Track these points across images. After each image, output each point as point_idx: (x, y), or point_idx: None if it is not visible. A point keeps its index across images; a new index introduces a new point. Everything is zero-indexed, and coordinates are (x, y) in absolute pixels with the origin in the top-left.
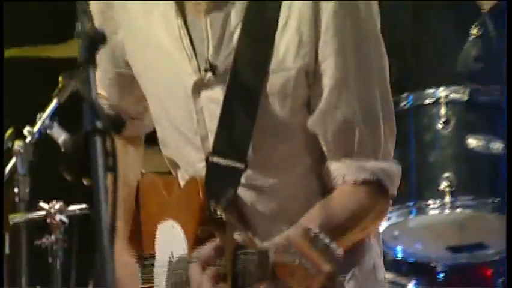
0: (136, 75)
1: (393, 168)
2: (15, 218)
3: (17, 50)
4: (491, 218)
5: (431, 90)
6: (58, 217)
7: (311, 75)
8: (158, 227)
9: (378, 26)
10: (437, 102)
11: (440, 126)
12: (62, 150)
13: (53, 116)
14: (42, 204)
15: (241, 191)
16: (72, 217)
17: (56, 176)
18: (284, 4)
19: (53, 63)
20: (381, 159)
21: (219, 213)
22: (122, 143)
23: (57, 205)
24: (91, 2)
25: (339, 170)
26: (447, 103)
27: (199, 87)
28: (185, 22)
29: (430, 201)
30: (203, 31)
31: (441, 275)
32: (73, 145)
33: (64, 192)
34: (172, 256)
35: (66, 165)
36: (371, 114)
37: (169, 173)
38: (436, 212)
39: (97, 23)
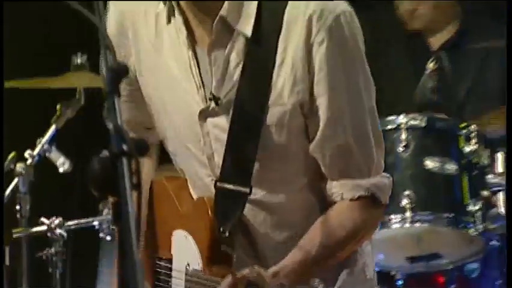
0: (145, 95)
1: (385, 181)
2: (18, 232)
3: (18, 81)
4: (445, 231)
5: (393, 118)
6: (58, 231)
7: (306, 107)
8: (173, 234)
9: (363, 49)
10: (398, 128)
11: (400, 149)
12: (60, 171)
13: (51, 141)
14: (43, 219)
15: (249, 208)
16: (68, 231)
17: (53, 194)
18: (280, 45)
19: (51, 94)
20: (373, 175)
21: (226, 235)
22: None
23: (57, 220)
24: (108, 28)
25: (338, 188)
26: (407, 129)
27: (205, 114)
28: (195, 53)
29: (392, 216)
30: (207, 65)
31: (399, 283)
32: (101, 166)
33: (61, 208)
34: (189, 266)
35: (94, 184)
36: (364, 139)
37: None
38: (398, 225)
39: (117, 44)
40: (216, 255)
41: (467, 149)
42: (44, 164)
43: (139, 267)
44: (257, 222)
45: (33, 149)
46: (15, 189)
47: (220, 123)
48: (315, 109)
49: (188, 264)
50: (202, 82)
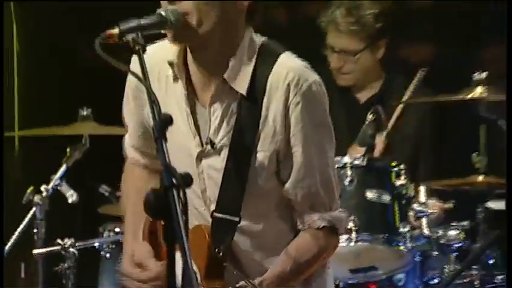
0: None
1: (342, 215)
2: (37, 251)
3: (37, 130)
4: (381, 248)
5: (339, 158)
6: (71, 250)
7: (282, 154)
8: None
9: (328, 110)
10: (344, 166)
11: (347, 183)
12: (69, 201)
13: (62, 177)
14: (58, 240)
15: (236, 234)
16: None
17: (65, 221)
18: (265, 103)
19: (62, 139)
20: (333, 210)
21: (221, 254)
22: (148, 172)
23: (69, 241)
24: (129, 86)
25: (306, 219)
26: (351, 167)
27: (200, 156)
28: (194, 107)
29: (340, 237)
30: (207, 115)
31: None
32: (155, 197)
33: (68, 231)
34: (197, 278)
35: (151, 211)
36: (327, 182)
37: None
38: (345, 244)
39: (135, 98)
40: (213, 271)
41: (398, 183)
42: (56, 195)
43: (192, 273)
44: (242, 244)
45: (47, 183)
46: (33, 216)
47: (213, 164)
48: (290, 156)
49: (196, 276)
50: (199, 131)
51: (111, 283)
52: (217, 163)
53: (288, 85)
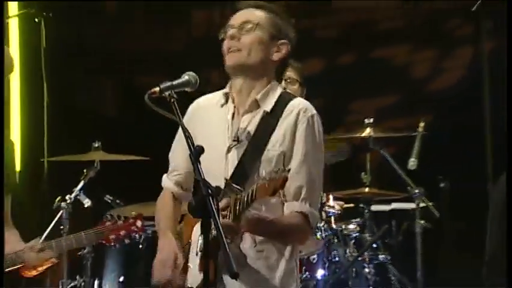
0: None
1: (315, 212)
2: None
3: (62, 157)
4: None
5: None
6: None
7: (285, 158)
8: (196, 225)
9: (322, 137)
10: None
11: None
12: (85, 206)
13: (81, 189)
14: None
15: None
16: None
17: (83, 220)
18: (280, 120)
19: (81, 164)
20: (313, 207)
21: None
22: (178, 202)
23: None
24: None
25: (292, 205)
26: None
27: (228, 149)
28: (233, 118)
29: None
30: (239, 122)
31: None
32: (196, 202)
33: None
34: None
35: (193, 213)
36: (311, 183)
37: None
38: None
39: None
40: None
41: None
42: (76, 202)
43: (228, 250)
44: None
45: (71, 194)
46: (60, 216)
47: (234, 155)
48: (291, 158)
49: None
50: (231, 133)
51: (114, 263)
52: (236, 154)
53: (299, 111)
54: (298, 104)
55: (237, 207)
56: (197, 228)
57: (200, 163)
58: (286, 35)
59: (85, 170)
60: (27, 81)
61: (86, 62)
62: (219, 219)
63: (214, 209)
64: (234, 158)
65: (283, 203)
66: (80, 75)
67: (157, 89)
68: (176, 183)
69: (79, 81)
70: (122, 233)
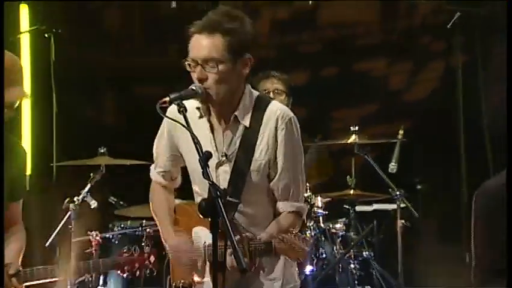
0: (184, 157)
1: (304, 205)
2: (74, 240)
3: (70, 161)
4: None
5: None
6: (97, 238)
7: (271, 162)
8: (194, 230)
9: (300, 137)
10: None
11: None
12: (91, 207)
13: (87, 192)
14: (88, 232)
15: (237, 215)
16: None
17: (89, 220)
18: (261, 130)
19: (88, 168)
20: (300, 202)
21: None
22: (166, 191)
23: (95, 233)
24: (165, 127)
25: (283, 206)
26: None
27: (218, 165)
28: (213, 134)
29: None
30: (221, 138)
31: None
32: (206, 203)
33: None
34: (205, 243)
35: (203, 213)
36: (297, 181)
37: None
38: None
39: (168, 132)
40: (221, 236)
41: (306, 194)
42: (84, 203)
43: (237, 247)
44: (241, 221)
45: (78, 196)
46: (69, 217)
47: (226, 169)
48: (275, 164)
49: (205, 242)
50: (217, 148)
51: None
52: (228, 169)
53: (277, 118)
54: (276, 110)
55: (251, 250)
56: (199, 234)
57: (209, 167)
58: (247, 48)
59: (91, 174)
60: (38, 92)
61: (90, 75)
62: (226, 218)
63: (222, 210)
64: (224, 171)
65: (274, 201)
66: (86, 87)
67: (167, 99)
68: (162, 176)
69: (84, 92)
70: (136, 265)
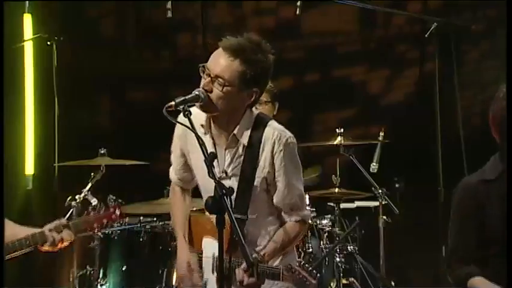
0: (191, 167)
1: (308, 213)
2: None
3: (72, 161)
4: None
5: None
6: (99, 233)
7: (269, 180)
8: (204, 239)
9: (297, 157)
10: None
11: None
12: (93, 205)
13: (88, 190)
14: None
15: (245, 226)
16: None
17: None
18: (260, 150)
19: (89, 168)
20: (304, 210)
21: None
22: (183, 191)
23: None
24: (176, 135)
25: (288, 217)
26: None
27: (219, 179)
28: (215, 150)
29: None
30: (223, 156)
31: None
32: (212, 200)
33: None
34: (214, 254)
35: (209, 209)
36: (300, 195)
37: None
38: None
39: (179, 139)
40: (231, 248)
41: None
42: (85, 201)
43: (244, 243)
44: (249, 232)
45: (80, 194)
46: (71, 213)
47: (227, 184)
48: (275, 182)
49: (214, 253)
50: (218, 163)
51: (118, 254)
52: (229, 183)
53: (274, 140)
54: (273, 132)
55: (260, 272)
56: (208, 245)
57: (214, 167)
58: (258, 82)
59: (92, 174)
60: (41, 96)
61: (90, 80)
62: (233, 215)
63: (228, 207)
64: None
65: (278, 216)
66: (86, 92)
67: (173, 103)
68: (178, 179)
69: (84, 96)
70: (104, 221)
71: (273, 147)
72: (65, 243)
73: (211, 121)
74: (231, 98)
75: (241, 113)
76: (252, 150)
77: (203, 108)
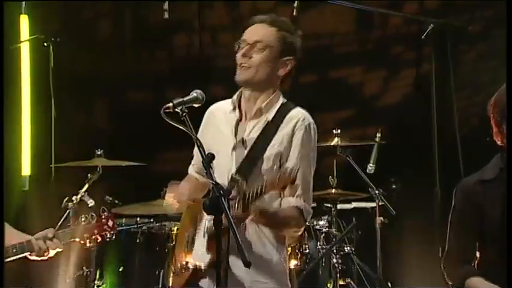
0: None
1: (309, 208)
2: None
3: (69, 163)
4: None
5: None
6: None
7: (283, 156)
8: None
9: (316, 143)
10: None
11: None
12: (88, 206)
13: (85, 191)
14: None
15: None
16: None
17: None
18: (281, 126)
19: (86, 169)
20: (307, 203)
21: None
22: (201, 182)
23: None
24: (199, 134)
25: (288, 200)
26: None
27: (235, 147)
28: (237, 123)
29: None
30: (245, 127)
31: None
32: (210, 201)
33: None
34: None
35: (207, 210)
36: (306, 182)
37: None
38: None
39: (202, 131)
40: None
41: None
42: (81, 202)
43: (241, 243)
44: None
45: (77, 195)
46: (68, 214)
47: (241, 153)
48: (287, 157)
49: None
50: (236, 134)
51: (115, 255)
52: (243, 152)
53: (298, 119)
54: (297, 113)
55: (246, 200)
56: (201, 215)
57: (212, 168)
58: (293, 51)
59: (89, 175)
60: (37, 97)
61: (86, 81)
62: (230, 215)
63: (225, 207)
64: (238, 156)
65: (280, 196)
66: (82, 93)
67: (171, 104)
68: (197, 172)
69: (81, 98)
70: (95, 231)
71: (295, 125)
72: (52, 253)
73: (242, 96)
74: (269, 63)
75: (275, 86)
76: (273, 125)
77: (240, 78)
